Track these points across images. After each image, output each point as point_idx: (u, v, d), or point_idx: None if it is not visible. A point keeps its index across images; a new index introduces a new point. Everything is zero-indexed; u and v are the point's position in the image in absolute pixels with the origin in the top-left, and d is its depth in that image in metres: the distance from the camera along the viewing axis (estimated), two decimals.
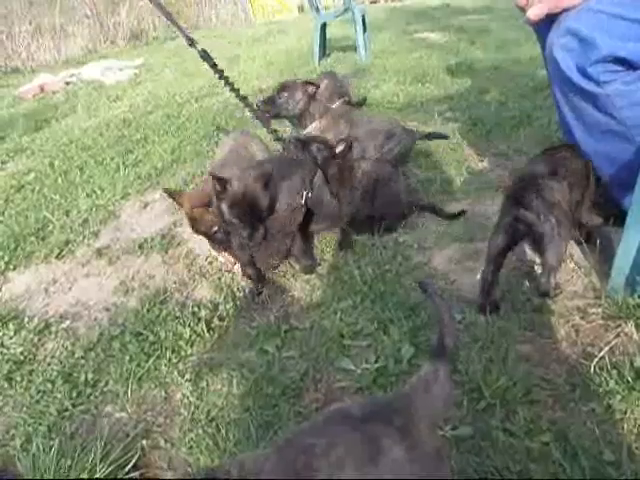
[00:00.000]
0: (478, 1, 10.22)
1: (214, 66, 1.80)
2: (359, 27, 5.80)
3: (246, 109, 2.24)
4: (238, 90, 1.96)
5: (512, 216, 1.65)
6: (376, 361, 1.54)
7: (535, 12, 1.50)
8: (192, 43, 1.80)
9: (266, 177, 1.79)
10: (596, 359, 1.43)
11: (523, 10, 1.54)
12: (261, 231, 1.81)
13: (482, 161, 2.81)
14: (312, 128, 2.69)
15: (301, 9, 14.28)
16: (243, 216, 1.79)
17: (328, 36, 6.46)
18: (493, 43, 5.87)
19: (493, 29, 6.88)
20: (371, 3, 14.64)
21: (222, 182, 1.76)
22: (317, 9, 6.06)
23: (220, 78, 1.99)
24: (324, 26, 6.12)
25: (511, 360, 1.48)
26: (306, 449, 0.71)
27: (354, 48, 6.18)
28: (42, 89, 7.08)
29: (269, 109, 2.77)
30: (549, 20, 1.55)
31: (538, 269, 1.84)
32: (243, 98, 1.95)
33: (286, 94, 2.78)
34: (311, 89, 2.83)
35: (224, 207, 1.79)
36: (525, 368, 1.46)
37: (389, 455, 0.70)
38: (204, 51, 1.74)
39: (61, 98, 6.45)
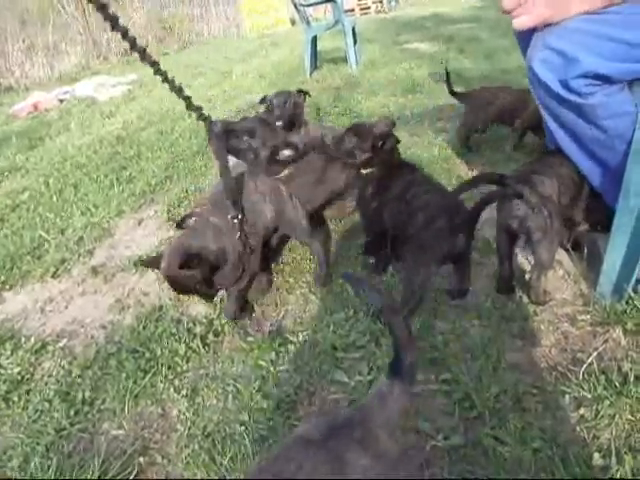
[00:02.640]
0: (467, 10, 10.32)
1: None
2: (349, 39, 5.87)
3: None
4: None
5: (507, 212, 1.70)
6: (369, 373, 1.56)
7: (521, 22, 1.53)
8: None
9: (182, 257, 1.69)
10: (585, 365, 1.45)
11: (508, 13, 1.56)
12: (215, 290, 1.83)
13: (472, 170, 2.85)
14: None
15: (293, 22, 14.39)
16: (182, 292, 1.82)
17: (319, 48, 6.54)
18: (482, 52, 5.94)
19: (482, 38, 6.96)
20: (361, 15, 14.78)
21: (155, 262, 1.77)
22: (308, 22, 6.13)
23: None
24: (315, 39, 6.20)
25: (502, 369, 1.51)
26: (276, 474, 0.73)
27: (345, 60, 6.25)
28: (36, 107, 7.13)
29: None
30: (530, 31, 1.59)
31: (528, 276, 1.87)
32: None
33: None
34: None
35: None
36: (515, 376, 1.48)
37: (356, 466, 0.73)
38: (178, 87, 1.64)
39: (55, 116, 6.49)
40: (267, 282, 2.10)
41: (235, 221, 1.77)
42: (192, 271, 1.68)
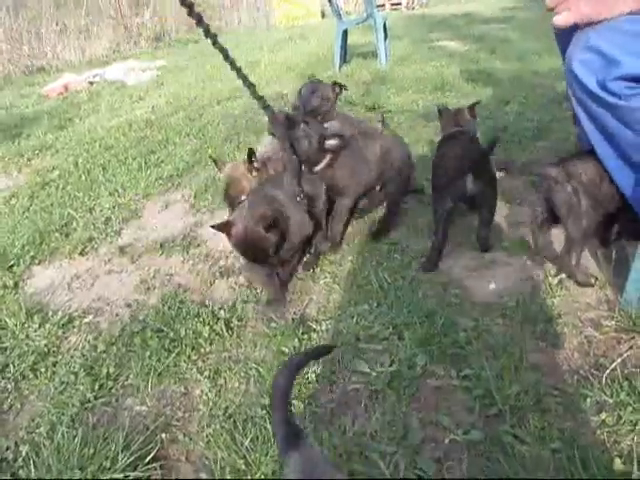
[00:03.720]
0: (499, 11, 10.20)
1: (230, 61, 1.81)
2: (380, 34, 5.84)
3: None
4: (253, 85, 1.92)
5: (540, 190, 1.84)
6: (390, 365, 1.57)
7: (563, 19, 1.51)
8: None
9: (268, 219, 1.81)
10: (608, 370, 1.45)
11: (552, 10, 1.55)
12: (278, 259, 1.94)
13: (498, 172, 2.83)
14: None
15: (323, 14, 14.36)
16: (251, 258, 1.92)
17: (349, 42, 6.51)
18: (513, 53, 5.88)
19: (514, 39, 6.89)
20: (392, 10, 14.69)
21: (226, 227, 1.88)
22: (339, 15, 6.12)
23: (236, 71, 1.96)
24: (345, 32, 6.18)
25: (523, 368, 1.51)
26: None
27: (374, 55, 6.23)
28: (66, 88, 7.23)
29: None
30: (570, 30, 1.57)
31: (552, 279, 1.87)
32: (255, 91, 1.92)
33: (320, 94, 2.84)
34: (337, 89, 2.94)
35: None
36: (537, 377, 1.48)
37: None
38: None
39: (85, 97, 6.57)
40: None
41: (300, 197, 2.00)
42: (270, 232, 1.81)
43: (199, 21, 1.56)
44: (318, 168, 2.17)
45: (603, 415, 1.33)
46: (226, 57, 1.69)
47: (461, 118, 2.33)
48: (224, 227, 1.89)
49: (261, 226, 1.80)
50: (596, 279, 1.84)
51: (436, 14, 11.86)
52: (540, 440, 1.29)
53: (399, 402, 1.46)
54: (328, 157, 2.17)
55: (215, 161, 2.41)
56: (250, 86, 1.80)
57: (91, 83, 7.62)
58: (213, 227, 1.90)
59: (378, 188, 2.43)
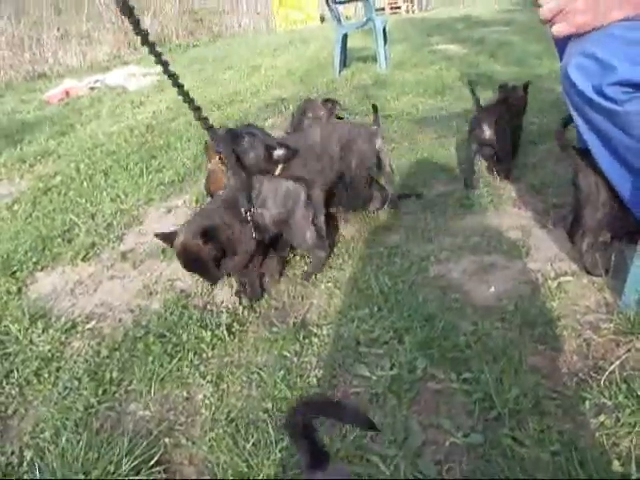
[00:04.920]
0: (499, 14, 10.23)
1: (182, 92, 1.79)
2: (380, 38, 5.87)
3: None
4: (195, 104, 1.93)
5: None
6: (391, 369, 1.59)
7: (559, 30, 1.53)
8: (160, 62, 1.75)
9: (206, 232, 1.82)
10: (606, 373, 1.46)
11: (547, 23, 1.56)
12: (221, 273, 1.95)
13: (499, 175, 2.85)
14: None
15: (323, 19, 14.41)
16: (190, 270, 1.95)
17: (349, 46, 6.54)
18: (513, 56, 5.90)
19: (513, 42, 6.91)
20: (392, 14, 14.74)
21: (168, 238, 1.91)
22: (339, 20, 6.15)
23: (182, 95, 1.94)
24: (345, 36, 6.21)
25: (522, 372, 1.52)
26: None
27: (374, 59, 6.26)
28: (67, 94, 7.27)
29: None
30: (567, 36, 1.59)
31: (551, 282, 1.89)
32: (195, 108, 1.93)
33: (310, 114, 2.82)
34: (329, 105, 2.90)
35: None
36: (536, 380, 1.49)
37: None
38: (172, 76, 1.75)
39: (86, 103, 6.61)
40: (276, 268, 2.18)
41: (248, 214, 1.94)
42: (208, 245, 1.82)
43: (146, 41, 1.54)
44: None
45: (602, 417, 1.34)
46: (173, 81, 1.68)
47: (515, 93, 2.89)
48: (167, 237, 1.91)
49: (199, 238, 1.80)
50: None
51: (435, 17, 11.90)
52: (539, 443, 1.30)
53: (400, 405, 1.47)
54: (280, 167, 2.18)
55: (206, 148, 2.48)
56: (195, 109, 1.80)
57: (92, 89, 7.65)
58: (157, 236, 1.94)
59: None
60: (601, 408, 1.37)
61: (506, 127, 2.69)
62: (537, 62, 5.38)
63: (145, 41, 1.56)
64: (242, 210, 1.94)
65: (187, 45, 12.37)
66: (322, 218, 2.26)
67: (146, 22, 12.31)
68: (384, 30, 6.01)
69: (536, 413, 1.39)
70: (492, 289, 1.93)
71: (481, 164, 3.01)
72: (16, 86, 9.25)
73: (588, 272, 1.91)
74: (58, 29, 11.18)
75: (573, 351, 1.59)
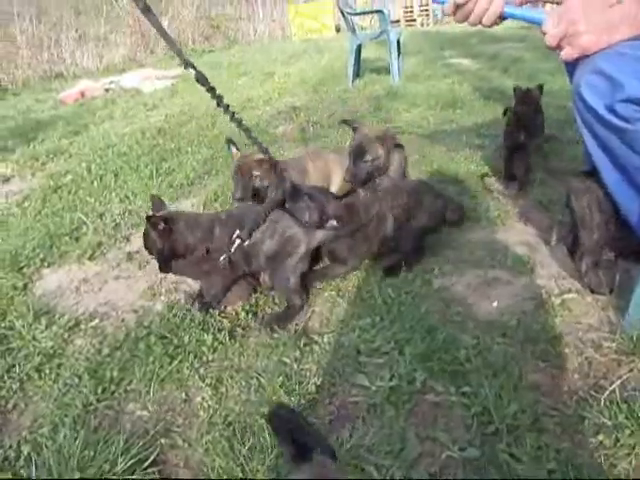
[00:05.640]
0: (512, 30, 10.25)
1: (211, 90, 1.74)
2: (394, 50, 5.90)
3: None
4: (239, 120, 1.90)
5: None
6: (390, 379, 1.58)
7: (567, 54, 1.54)
8: (188, 65, 1.73)
9: (152, 221, 1.89)
10: (607, 392, 1.45)
11: (554, 49, 1.58)
12: (167, 267, 2.02)
13: (507, 189, 2.85)
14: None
15: (338, 29, 14.50)
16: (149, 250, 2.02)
17: (363, 57, 6.58)
18: (526, 72, 5.91)
19: (526, 58, 6.92)
20: (407, 26, 14.81)
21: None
22: (353, 30, 6.19)
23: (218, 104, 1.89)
24: (359, 47, 6.24)
25: (522, 388, 1.51)
26: None
27: (387, 71, 6.29)
28: (83, 94, 7.35)
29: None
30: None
31: (555, 299, 1.88)
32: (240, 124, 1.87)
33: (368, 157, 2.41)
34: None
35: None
36: (535, 396, 1.49)
37: None
38: (201, 74, 1.72)
39: (100, 104, 6.68)
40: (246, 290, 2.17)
41: (237, 241, 1.95)
42: (158, 237, 1.92)
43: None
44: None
45: (601, 437, 1.33)
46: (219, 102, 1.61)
47: (529, 95, 3.07)
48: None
49: (153, 225, 1.90)
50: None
51: (450, 31, 11.94)
52: (536, 460, 1.29)
53: (397, 416, 1.47)
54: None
55: (228, 142, 2.60)
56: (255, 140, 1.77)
57: (107, 90, 7.74)
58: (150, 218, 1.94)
59: None
60: (600, 428, 1.36)
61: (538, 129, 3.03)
62: (549, 78, 5.35)
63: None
64: (235, 236, 1.96)
65: (203, 50, 12.49)
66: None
67: (164, 26, 12.45)
68: (398, 42, 6.04)
69: (534, 430, 1.38)
70: (495, 304, 1.93)
71: (487, 178, 3.02)
72: (33, 85, 9.38)
73: (592, 291, 1.90)
74: (76, 30, 11.32)
75: (574, 369, 1.58)
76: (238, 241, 1.96)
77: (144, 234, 1.98)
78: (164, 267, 2.02)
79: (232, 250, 1.96)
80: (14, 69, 9.94)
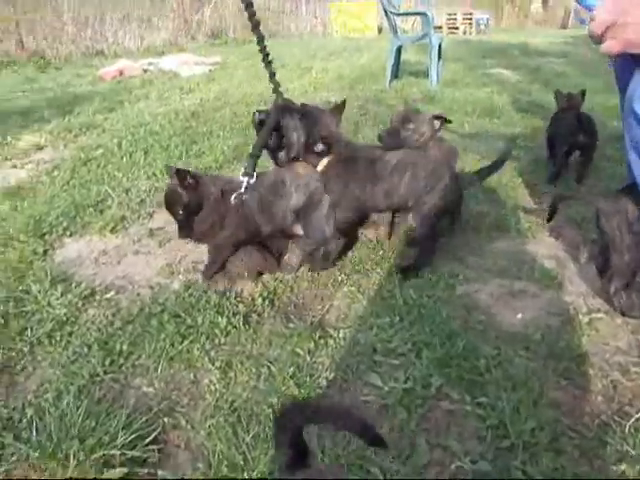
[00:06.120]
0: (557, 45, 10.08)
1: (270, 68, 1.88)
2: (434, 54, 5.82)
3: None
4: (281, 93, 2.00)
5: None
6: (405, 382, 1.53)
7: (608, 47, 1.46)
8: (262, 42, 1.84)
9: (181, 174, 1.89)
10: (632, 419, 1.38)
11: (597, 40, 1.50)
12: (187, 228, 1.99)
13: (540, 203, 2.77)
14: None
15: (380, 30, 14.42)
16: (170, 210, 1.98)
17: (402, 59, 6.51)
18: (568, 88, 5.73)
19: (569, 74, 6.78)
20: (449, 33, 14.67)
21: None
22: (395, 31, 6.12)
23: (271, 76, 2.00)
24: (400, 49, 6.17)
25: (541, 404, 1.45)
26: None
27: (425, 74, 6.22)
28: (121, 73, 7.42)
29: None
30: (630, 69, 1.53)
31: (582, 317, 1.81)
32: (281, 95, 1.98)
33: (412, 126, 2.42)
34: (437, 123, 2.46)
35: None
36: (555, 415, 1.42)
37: None
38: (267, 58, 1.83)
39: (137, 83, 6.72)
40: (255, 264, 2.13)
41: (244, 178, 1.97)
42: (184, 191, 1.91)
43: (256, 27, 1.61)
44: (319, 168, 2.11)
45: (623, 466, 1.27)
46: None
47: (573, 99, 3.22)
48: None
49: (181, 178, 1.89)
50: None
51: (492, 41, 11.79)
52: None
53: (409, 420, 1.41)
54: (323, 161, 2.10)
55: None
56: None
57: (145, 71, 7.80)
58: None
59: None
60: (623, 456, 1.29)
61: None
62: (591, 96, 5.22)
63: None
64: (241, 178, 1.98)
65: (243, 40, 12.51)
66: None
67: (206, 13, 12.53)
68: (439, 47, 5.96)
69: (551, 449, 1.32)
70: (519, 316, 1.86)
71: (520, 190, 2.94)
72: (74, 60, 9.50)
73: (623, 313, 1.82)
74: (121, 11, 11.45)
75: (598, 391, 1.51)
76: (245, 178, 1.97)
77: (168, 190, 1.96)
78: (184, 228, 1.99)
79: (242, 189, 1.96)
80: (58, 44, 10.10)
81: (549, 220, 2.23)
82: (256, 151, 2.04)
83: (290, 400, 0.85)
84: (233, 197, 1.96)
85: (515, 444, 1.33)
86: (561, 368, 1.59)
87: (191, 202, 1.93)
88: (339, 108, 2.27)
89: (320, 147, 2.09)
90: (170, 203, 1.96)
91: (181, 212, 1.94)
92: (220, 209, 1.98)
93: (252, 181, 1.99)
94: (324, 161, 2.12)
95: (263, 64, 1.94)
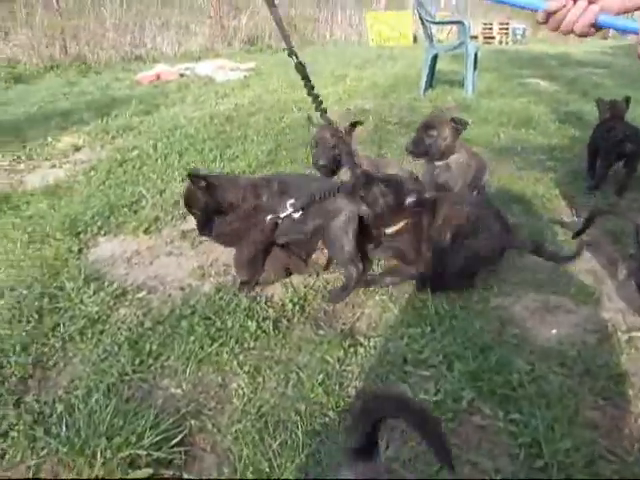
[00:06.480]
0: (596, 55, 9.88)
1: (306, 79, 1.87)
2: (470, 63, 5.76)
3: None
4: (324, 108, 1.97)
5: None
6: (435, 394, 1.50)
7: None
8: (292, 53, 1.85)
9: (194, 177, 1.95)
10: None
11: None
12: (207, 227, 2.06)
13: (578, 216, 2.70)
14: (454, 160, 2.54)
15: (415, 39, 14.36)
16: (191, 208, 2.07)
17: (437, 68, 6.45)
18: (606, 99, 5.63)
19: (609, 85, 6.63)
20: (485, 43, 14.52)
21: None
22: (431, 40, 6.08)
23: (309, 92, 1.98)
24: (435, 57, 6.12)
25: (578, 424, 1.40)
26: None
27: (460, 84, 6.16)
28: (158, 77, 7.55)
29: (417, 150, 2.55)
30: None
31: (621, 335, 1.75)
32: (324, 111, 1.97)
33: (434, 133, 2.49)
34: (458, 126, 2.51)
35: None
36: (592, 436, 1.37)
37: None
38: (301, 64, 1.83)
39: (174, 88, 6.82)
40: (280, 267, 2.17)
41: (290, 209, 1.98)
42: (199, 190, 1.97)
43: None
44: (390, 230, 2.04)
45: None
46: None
47: (617, 107, 3.19)
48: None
49: (195, 181, 1.95)
50: None
51: (530, 51, 11.63)
52: None
53: None
54: (403, 222, 2.02)
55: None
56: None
57: (181, 75, 7.91)
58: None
59: None
60: None
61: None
62: (631, 107, 5.10)
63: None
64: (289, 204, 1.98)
65: (277, 48, 12.58)
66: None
67: (242, 20, 12.67)
68: (475, 56, 5.89)
69: (588, 473, 1.27)
70: (554, 331, 1.81)
71: (557, 202, 2.87)
72: (114, 65, 9.69)
73: None
74: (160, 18, 11.66)
75: (638, 413, 1.45)
76: (291, 209, 1.98)
77: (187, 192, 2.03)
78: (204, 227, 2.06)
79: (282, 216, 1.99)
80: (99, 49, 10.33)
81: (578, 234, 2.17)
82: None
83: (382, 390, 0.84)
84: (269, 218, 1.99)
85: (549, 464, 1.28)
86: (598, 387, 1.54)
87: (208, 206, 2.00)
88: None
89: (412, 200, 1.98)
90: (187, 203, 2.05)
91: (199, 213, 2.03)
92: (240, 227, 2.04)
93: (297, 216, 2.00)
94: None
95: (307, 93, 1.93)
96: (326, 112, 1.96)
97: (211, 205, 2.00)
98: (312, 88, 1.88)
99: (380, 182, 1.97)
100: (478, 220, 2.00)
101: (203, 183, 1.95)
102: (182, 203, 2.86)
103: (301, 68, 1.82)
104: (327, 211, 2.01)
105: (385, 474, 0.82)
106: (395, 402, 0.82)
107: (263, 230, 2.02)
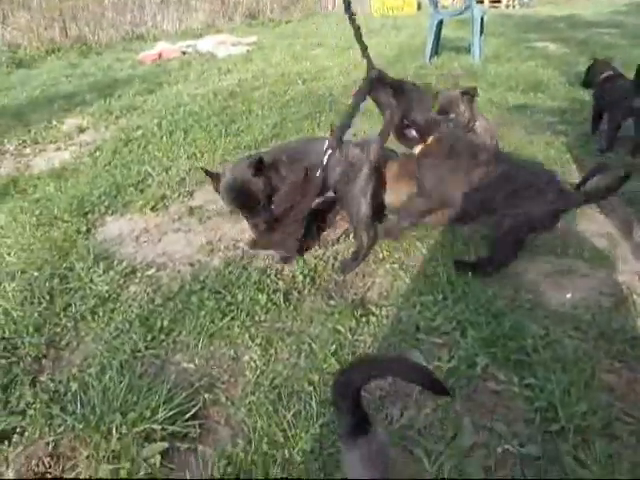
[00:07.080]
0: (608, 15, 9.61)
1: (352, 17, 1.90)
2: (476, 28, 5.62)
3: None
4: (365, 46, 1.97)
5: None
6: (449, 361, 1.48)
7: None
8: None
9: (256, 164, 1.81)
10: None
11: None
12: (263, 216, 1.88)
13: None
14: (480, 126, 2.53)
15: (419, 6, 14.05)
16: (239, 204, 1.89)
17: (442, 35, 6.30)
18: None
19: (620, 45, 6.46)
20: (491, 7, 14.17)
21: (215, 176, 1.89)
22: (435, 5, 5.93)
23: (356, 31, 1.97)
24: (440, 24, 5.98)
25: (594, 387, 1.38)
26: None
27: (466, 50, 6.03)
28: (160, 56, 7.46)
29: None
30: None
31: (637, 298, 1.72)
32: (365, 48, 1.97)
33: (452, 114, 2.46)
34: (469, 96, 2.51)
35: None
36: (608, 399, 1.36)
37: None
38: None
39: (176, 65, 6.74)
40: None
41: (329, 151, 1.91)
42: (257, 178, 1.83)
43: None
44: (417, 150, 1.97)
45: None
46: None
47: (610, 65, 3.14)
48: (214, 176, 1.90)
49: (250, 169, 1.82)
50: None
51: (536, 15, 11.33)
52: (606, 469, 1.17)
53: (453, 401, 1.37)
54: (418, 147, 1.96)
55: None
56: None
57: (183, 53, 7.82)
58: (205, 171, 1.93)
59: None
60: None
61: None
62: None
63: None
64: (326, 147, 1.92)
65: (280, 21, 12.39)
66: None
67: None
68: (482, 20, 5.75)
69: (605, 435, 1.26)
70: (569, 295, 1.78)
71: (568, 165, 2.82)
72: (114, 45, 9.60)
73: None
74: None
75: None
76: (330, 151, 1.92)
77: (241, 189, 1.85)
78: (268, 215, 1.91)
79: (324, 161, 1.91)
80: (99, 30, 10.22)
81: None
82: (347, 121, 1.97)
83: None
84: (317, 174, 1.91)
85: (565, 428, 1.27)
86: (614, 350, 1.52)
87: (270, 189, 1.88)
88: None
89: (412, 134, 1.96)
90: (246, 202, 1.88)
91: (264, 201, 1.87)
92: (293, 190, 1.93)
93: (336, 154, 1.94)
94: (419, 147, 1.98)
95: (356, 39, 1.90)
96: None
97: (271, 188, 1.88)
98: (366, 48, 1.97)
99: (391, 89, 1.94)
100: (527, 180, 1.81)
101: (261, 165, 1.83)
102: (189, 180, 2.88)
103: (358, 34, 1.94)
104: (350, 164, 1.96)
105: (385, 438, 0.82)
106: (362, 367, 0.82)
107: (312, 194, 1.93)
